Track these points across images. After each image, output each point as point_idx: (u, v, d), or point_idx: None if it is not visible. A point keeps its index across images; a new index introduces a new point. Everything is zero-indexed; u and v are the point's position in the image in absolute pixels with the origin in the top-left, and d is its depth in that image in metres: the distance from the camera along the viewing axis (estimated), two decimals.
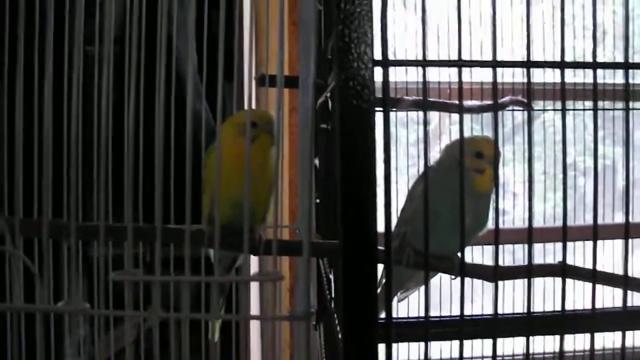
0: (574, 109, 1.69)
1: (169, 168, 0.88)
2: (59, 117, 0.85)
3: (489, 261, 1.42)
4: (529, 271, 0.63)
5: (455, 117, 1.89)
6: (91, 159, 0.91)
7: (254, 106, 0.90)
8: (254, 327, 1.45)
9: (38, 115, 0.79)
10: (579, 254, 1.60)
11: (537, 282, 1.46)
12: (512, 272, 0.92)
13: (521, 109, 1.53)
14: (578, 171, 1.74)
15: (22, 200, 0.54)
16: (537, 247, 1.63)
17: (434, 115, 1.78)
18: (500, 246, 1.65)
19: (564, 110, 0.66)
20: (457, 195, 0.87)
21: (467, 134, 1.52)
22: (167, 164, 0.89)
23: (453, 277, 0.96)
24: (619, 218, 1.65)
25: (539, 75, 1.66)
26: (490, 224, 1.05)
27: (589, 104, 1.63)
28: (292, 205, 1.55)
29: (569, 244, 1.50)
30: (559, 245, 1.78)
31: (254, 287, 1.45)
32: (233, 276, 1.09)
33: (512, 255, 1.75)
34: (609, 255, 1.58)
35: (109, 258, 0.96)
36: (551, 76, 1.65)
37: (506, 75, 1.53)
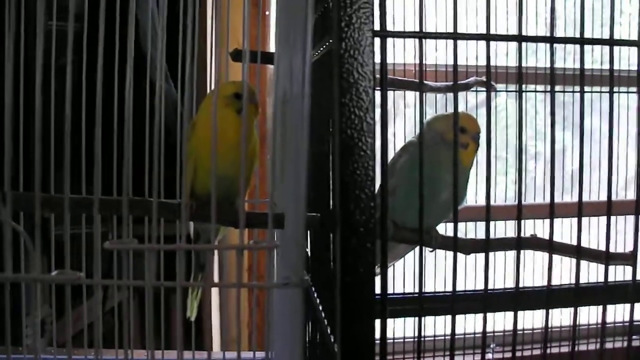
0: (524, 91, 1.73)
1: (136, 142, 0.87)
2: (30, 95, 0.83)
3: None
4: (518, 245, 0.65)
5: (410, 99, 1.92)
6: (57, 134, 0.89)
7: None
8: (214, 296, 1.47)
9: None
10: (529, 232, 1.65)
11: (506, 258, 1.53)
12: (498, 245, 0.96)
13: (484, 89, 1.57)
14: (528, 155, 1.80)
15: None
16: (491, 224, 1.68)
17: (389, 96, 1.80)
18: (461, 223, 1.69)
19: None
20: (437, 169, 0.90)
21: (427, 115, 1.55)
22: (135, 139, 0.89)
23: (430, 250, 0.99)
24: (568, 199, 1.72)
25: (493, 59, 1.70)
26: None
27: (541, 88, 1.68)
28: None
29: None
30: (511, 223, 1.83)
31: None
32: (228, 244, 1.10)
33: (464, 233, 1.80)
34: (558, 232, 1.65)
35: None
36: (504, 60, 1.70)
37: (469, 58, 1.56)
